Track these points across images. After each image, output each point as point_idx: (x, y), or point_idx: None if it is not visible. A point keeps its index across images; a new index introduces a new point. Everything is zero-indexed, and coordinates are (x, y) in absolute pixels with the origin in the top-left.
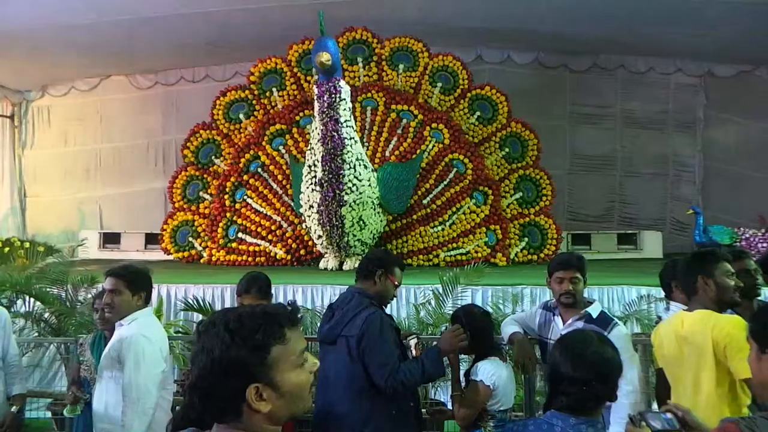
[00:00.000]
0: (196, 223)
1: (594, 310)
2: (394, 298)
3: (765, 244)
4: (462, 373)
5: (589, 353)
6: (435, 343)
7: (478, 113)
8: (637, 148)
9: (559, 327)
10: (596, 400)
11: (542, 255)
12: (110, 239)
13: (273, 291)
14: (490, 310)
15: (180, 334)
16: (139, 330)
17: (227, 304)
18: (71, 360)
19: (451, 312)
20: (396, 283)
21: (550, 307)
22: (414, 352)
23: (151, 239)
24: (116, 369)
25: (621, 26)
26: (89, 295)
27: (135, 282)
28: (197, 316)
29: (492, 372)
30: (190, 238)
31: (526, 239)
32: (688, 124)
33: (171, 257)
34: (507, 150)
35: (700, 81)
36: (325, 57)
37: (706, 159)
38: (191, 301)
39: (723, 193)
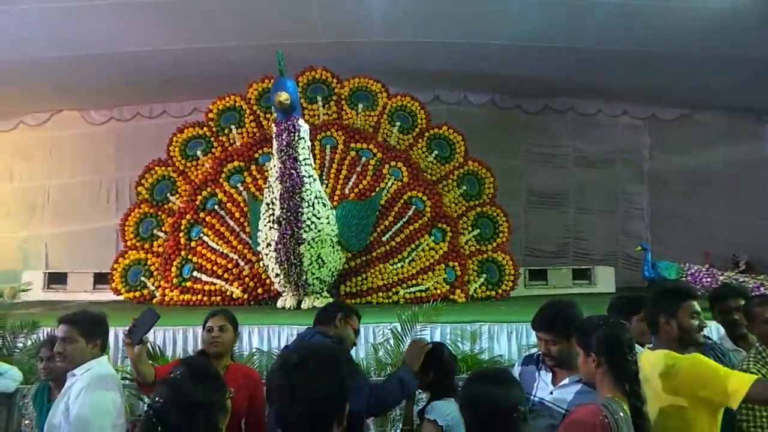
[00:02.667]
0: (149, 262)
1: None
2: (354, 346)
3: (709, 279)
4: (417, 411)
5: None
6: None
7: (436, 152)
8: (588, 186)
9: (549, 385)
10: None
11: (500, 291)
12: (56, 279)
13: None
14: (450, 348)
15: (128, 381)
16: (92, 381)
17: (179, 348)
18: (10, 414)
19: None
20: (355, 327)
21: (537, 359)
22: None
23: (101, 279)
24: (65, 423)
25: (570, 71)
26: (29, 342)
27: (90, 329)
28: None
29: (447, 412)
30: (143, 278)
31: (484, 275)
32: (635, 164)
33: (121, 298)
34: (464, 188)
35: (644, 123)
36: (283, 96)
37: (653, 196)
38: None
39: (670, 229)
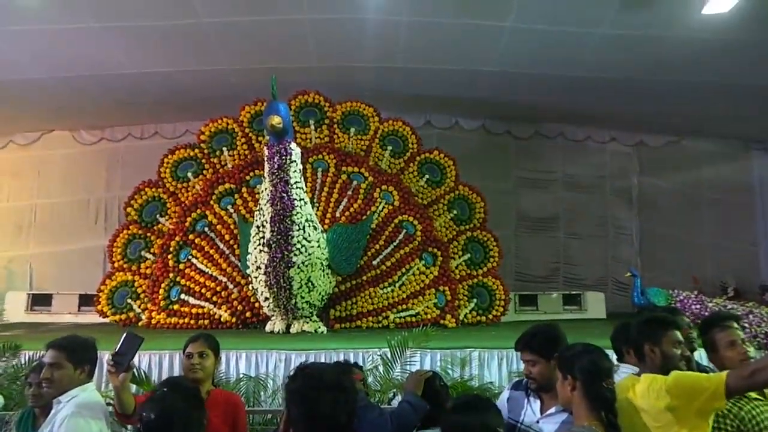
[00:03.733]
0: (136, 284)
1: None
2: (368, 396)
3: (698, 306)
4: None
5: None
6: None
7: (427, 176)
8: (578, 211)
9: (536, 413)
10: None
11: (491, 316)
12: (40, 301)
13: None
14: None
15: (111, 407)
16: (77, 409)
17: (165, 373)
18: None
19: (399, 377)
20: (360, 378)
21: (526, 385)
22: None
23: (86, 300)
24: None
25: (559, 98)
26: (11, 366)
27: (78, 354)
28: (132, 387)
29: None
30: (129, 300)
31: (474, 300)
32: (624, 189)
33: (107, 320)
34: (455, 212)
35: (633, 149)
36: (276, 120)
37: (642, 222)
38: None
39: (659, 255)
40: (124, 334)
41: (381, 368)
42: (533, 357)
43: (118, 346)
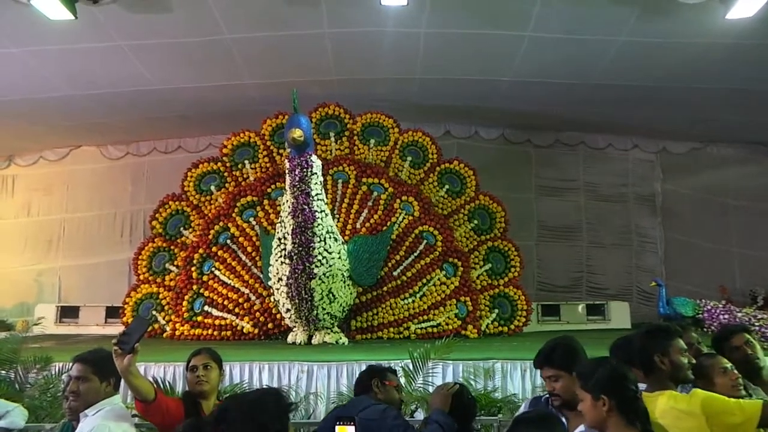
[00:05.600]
0: (160, 296)
1: None
2: (402, 403)
3: (726, 316)
4: None
5: None
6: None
7: (447, 186)
8: (601, 220)
9: None
10: None
11: (512, 326)
12: (68, 313)
13: (237, 369)
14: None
15: (136, 419)
16: (103, 421)
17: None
18: None
19: (422, 388)
20: (395, 385)
21: (546, 403)
22: None
23: (112, 313)
24: None
25: (580, 106)
26: (41, 377)
27: (104, 367)
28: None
29: None
30: (154, 312)
31: (496, 311)
32: (648, 197)
33: None
34: (476, 222)
35: (656, 157)
36: (297, 133)
37: (667, 230)
38: (150, 382)
39: (685, 264)
40: (136, 317)
41: (403, 380)
42: (555, 372)
43: (129, 325)
